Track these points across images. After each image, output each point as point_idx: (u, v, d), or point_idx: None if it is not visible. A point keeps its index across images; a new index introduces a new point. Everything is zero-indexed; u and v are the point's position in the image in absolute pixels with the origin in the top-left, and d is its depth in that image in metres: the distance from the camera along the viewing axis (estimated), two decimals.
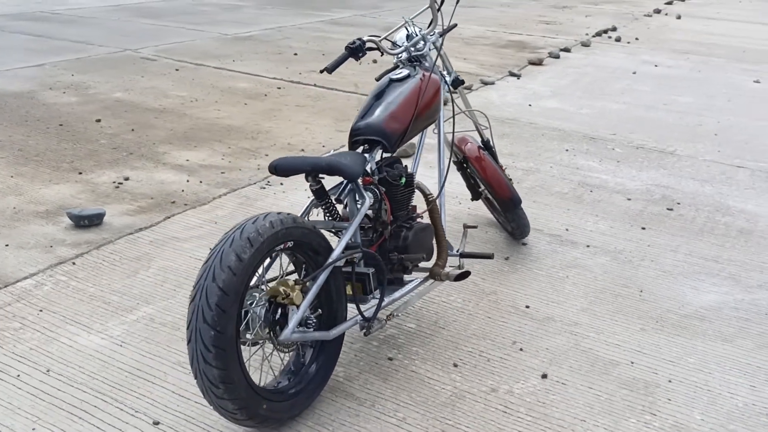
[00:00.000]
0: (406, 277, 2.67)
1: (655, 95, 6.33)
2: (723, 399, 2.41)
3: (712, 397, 2.42)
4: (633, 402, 2.37)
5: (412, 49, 2.89)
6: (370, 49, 2.81)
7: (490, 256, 2.81)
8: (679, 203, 4.02)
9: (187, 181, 3.99)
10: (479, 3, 11.68)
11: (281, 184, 3.99)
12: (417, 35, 2.90)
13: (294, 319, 2.10)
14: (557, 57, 7.65)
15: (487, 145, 3.33)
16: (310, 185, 2.37)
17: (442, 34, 3.00)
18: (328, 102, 5.66)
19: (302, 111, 5.39)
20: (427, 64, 2.91)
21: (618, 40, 8.84)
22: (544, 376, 2.48)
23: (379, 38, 2.86)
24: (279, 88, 5.99)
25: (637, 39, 8.97)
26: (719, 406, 2.37)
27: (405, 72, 2.76)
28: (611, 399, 2.38)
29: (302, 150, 4.56)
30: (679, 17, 10.92)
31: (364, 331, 2.37)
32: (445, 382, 2.43)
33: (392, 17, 9.74)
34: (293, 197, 3.82)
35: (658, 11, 11.39)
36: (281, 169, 2.30)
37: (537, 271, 3.19)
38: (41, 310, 2.70)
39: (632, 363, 2.58)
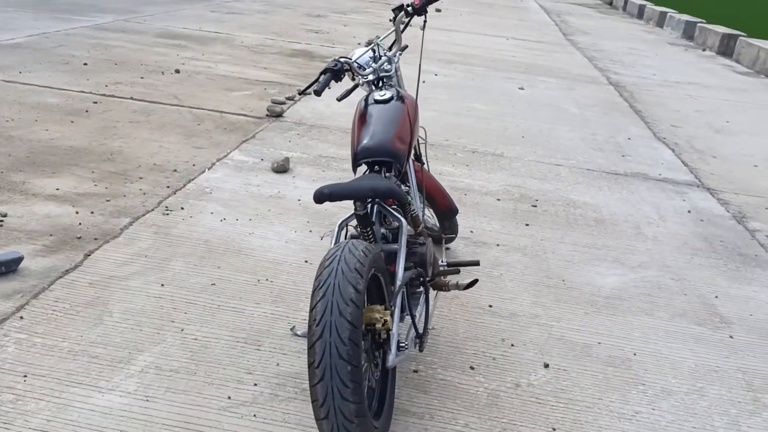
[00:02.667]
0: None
1: (455, 103, 6.98)
2: (679, 363, 2.92)
3: (671, 363, 2.91)
4: (623, 376, 2.78)
5: (380, 70, 2.99)
6: (346, 70, 2.88)
7: (476, 263, 3.03)
8: (537, 200, 4.58)
9: (77, 213, 3.59)
10: (236, 10, 11.62)
11: (182, 209, 3.78)
12: (384, 56, 3.01)
13: (394, 343, 2.14)
14: None
15: (419, 158, 3.53)
16: (357, 211, 2.39)
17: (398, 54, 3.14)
18: (161, 117, 5.37)
19: (140, 128, 5.05)
20: (392, 83, 3.03)
21: (390, 49, 9.44)
22: (546, 366, 2.78)
23: (350, 59, 2.93)
24: (95, 102, 5.52)
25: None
26: (680, 370, 2.87)
27: (389, 93, 2.86)
28: (607, 377, 2.76)
29: (175, 170, 4.32)
30: (423, 28, 11.91)
31: (419, 346, 2.46)
32: (474, 384, 2.61)
33: (158, 22, 9.33)
34: (204, 221, 3.66)
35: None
36: (336, 195, 2.29)
37: (476, 272, 3.48)
38: (25, 376, 2.34)
39: (599, 343, 3.00)
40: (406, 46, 3.18)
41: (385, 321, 2.13)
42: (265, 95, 6.35)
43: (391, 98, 2.83)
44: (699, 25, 14.15)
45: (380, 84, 3.03)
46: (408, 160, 2.73)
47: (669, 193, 5.02)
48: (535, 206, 4.47)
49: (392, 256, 2.47)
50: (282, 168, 4.52)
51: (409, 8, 3.01)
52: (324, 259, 2.08)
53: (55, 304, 2.77)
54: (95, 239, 3.34)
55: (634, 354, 2.94)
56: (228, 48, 8.28)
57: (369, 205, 2.46)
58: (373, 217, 2.51)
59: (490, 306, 3.18)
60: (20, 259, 2.96)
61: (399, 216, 2.49)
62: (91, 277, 3.00)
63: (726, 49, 12.79)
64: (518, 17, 15.56)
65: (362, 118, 2.79)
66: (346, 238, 2.52)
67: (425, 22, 3.07)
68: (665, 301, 3.43)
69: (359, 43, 9.64)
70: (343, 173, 4.63)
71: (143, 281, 3.01)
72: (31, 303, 2.76)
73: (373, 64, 2.99)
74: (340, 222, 2.48)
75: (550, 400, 2.58)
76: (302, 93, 2.96)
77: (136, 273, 3.08)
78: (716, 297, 3.53)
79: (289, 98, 6.26)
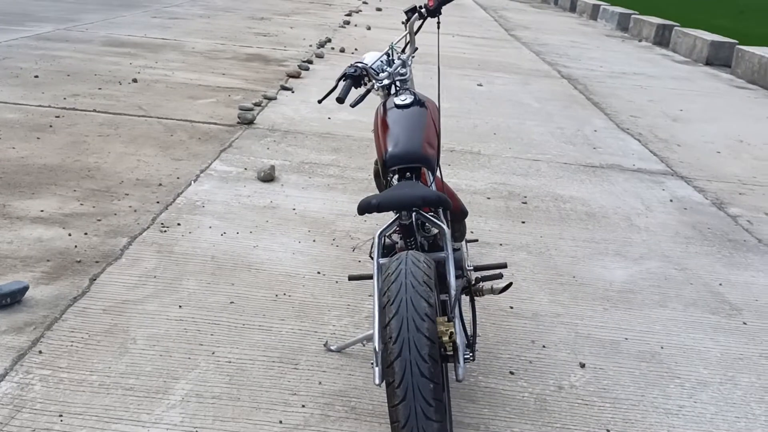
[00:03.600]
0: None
1: None
2: (705, 353, 2.96)
3: (698, 354, 2.95)
4: (658, 371, 2.79)
5: (395, 74, 2.92)
6: (364, 75, 2.81)
7: (504, 266, 2.98)
8: (526, 197, 4.60)
9: (69, 235, 3.40)
10: (177, 15, 11.32)
11: (179, 224, 3.63)
12: (399, 60, 2.94)
13: (461, 355, 2.08)
14: (307, 69, 7.88)
15: None
16: (403, 220, 2.32)
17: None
18: (130, 129, 5.15)
19: (112, 141, 4.84)
20: (407, 87, 2.97)
21: (342, 50, 9.37)
22: (583, 366, 2.77)
23: (365, 65, 2.86)
24: (58, 117, 5.26)
25: (356, 50, 9.60)
26: (709, 360, 2.91)
27: (410, 97, 2.79)
28: (643, 373, 2.77)
29: (160, 184, 4.15)
30: (369, 28, 11.87)
31: (472, 355, 2.40)
32: (519, 390, 2.58)
33: (101, 30, 8.99)
34: (205, 236, 3.52)
35: (347, 23, 12.22)
36: (385, 205, 2.22)
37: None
38: (61, 416, 2.18)
39: (626, 339, 3.01)
40: (416, 49, 3.12)
41: (451, 333, 2.07)
42: (231, 102, 6.19)
43: (413, 102, 2.77)
44: (633, 16, 14.54)
45: (395, 88, 2.97)
46: (438, 164, 2.68)
47: (647, 183, 5.11)
48: (525, 203, 4.48)
49: (438, 265, 2.42)
50: (269, 177, 4.40)
51: (423, 10, 2.94)
52: (388, 273, 2.00)
53: (72, 335, 2.61)
54: (96, 262, 3.16)
55: (662, 347, 2.97)
56: (180, 55, 8.04)
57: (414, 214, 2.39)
58: (414, 225, 2.45)
59: (511, 307, 3.16)
60: (26, 289, 2.77)
61: (440, 223, 2.43)
62: (104, 303, 2.83)
63: (661, 39, 13.17)
64: (459, 14, 15.66)
65: (385, 124, 2.72)
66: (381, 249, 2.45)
67: (439, 23, 3.02)
68: (675, 292, 3.48)
69: (310, 45, 9.52)
70: (330, 179, 4.54)
71: (159, 304, 2.87)
72: (47, 335, 2.59)
73: (388, 68, 2.92)
74: (379, 233, 2.40)
75: (595, 400, 2.57)
76: (321, 101, 2.87)
77: (149, 296, 2.93)
78: (720, 284, 3.60)
79: (256, 104, 6.11)
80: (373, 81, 2.90)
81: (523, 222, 4.17)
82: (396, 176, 2.62)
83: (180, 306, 2.87)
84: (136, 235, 3.46)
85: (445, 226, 2.43)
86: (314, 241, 3.62)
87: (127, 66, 7.16)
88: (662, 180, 5.22)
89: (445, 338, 2.08)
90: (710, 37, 11.56)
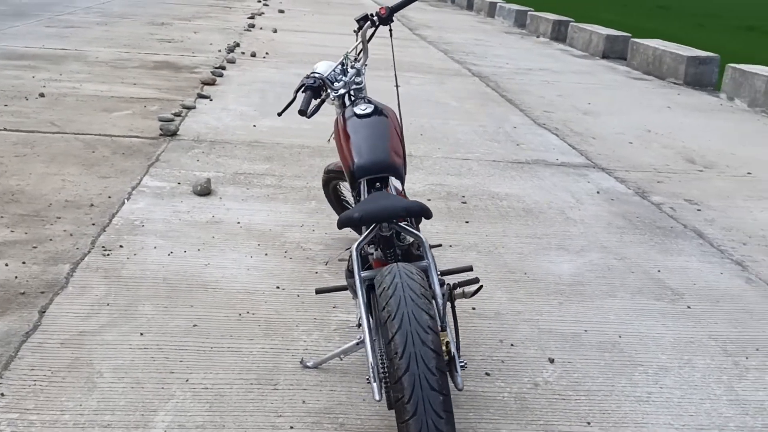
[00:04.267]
0: None
1: None
2: (659, 339, 3.09)
3: (653, 340, 3.08)
4: (621, 360, 2.89)
5: (350, 82, 2.90)
6: (322, 86, 2.78)
7: (469, 269, 2.99)
8: (464, 196, 4.66)
9: (6, 265, 3.19)
10: (73, 23, 10.82)
11: (121, 246, 3.47)
12: (353, 69, 2.92)
13: (458, 363, 2.08)
14: (221, 75, 7.70)
15: None
16: (383, 232, 2.30)
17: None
18: (47, 147, 4.89)
19: (30, 161, 4.58)
20: (362, 96, 2.95)
21: (254, 55, 9.21)
22: (552, 361, 2.84)
23: (322, 75, 2.83)
24: None
25: (267, 54, 9.47)
26: (664, 346, 3.04)
27: (370, 107, 2.78)
28: (608, 363, 2.87)
29: (92, 205, 3.96)
30: (275, 31, 11.73)
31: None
32: (497, 391, 2.62)
33: (16, 41, 8.50)
34: (151, 258, 3.38)
35: (252, 26, 12.03)
36: (368, 218, 2.21)
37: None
38: None
39: (586, 331, 3.11)
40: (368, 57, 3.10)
41: (447, 342, 2.08)
42: (149, 113, 5.98)
43: (374, 112, 2.76)
44: (530, 13, 15.01)
45: (350, 98, 2.95)
46: (405, 172, 2.68)
47: (573, 176, 5.29)
48: (465, 203, 4.55)
49: None
50: (205, 190, 4.28)
51: (375, 18, 2.93)
52: (383, 287, 1.99)
53: (33, 373, 2.45)
54: (42, 293, 2.99)
55: (620, 336, 3.08)
56: (85, 65, 7.69)
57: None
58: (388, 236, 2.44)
59: (474, 309, 3.20)
60: None
61: (417, 233, 2.44)
62: (60, 337, 2.68)
63: (558, 34, 13.66)
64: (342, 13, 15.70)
65: (348, 134, 2.70)
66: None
67: (391, 31, 3.01)
68: (620, 282, 3.62)
69: (219, 50, 9.32)
70: (269, 189, 4.46)
71: (119, 333, 2.74)
72: (5, 376, 2.42)
73: (344, 78, 2.89)
74: (356, 246, 2.38)
75: (571, 394, 2.64)
76: (281, 114, 2.82)
77: (106, 325, 2.79)
78: (659, 271, 3.77)
79: (176, 114, 5.92)
80: (329, 91, 2.87)
81: (467, 222, 4.23)
82: (363, 187, 2.60)
83: (141, 333, 2.75)
84: (78, 261, 3.29)
85: (421, 235, 2.44)
86: (266, 254, 3.55)
87: (31, 80, 6.79)
88: (585, 173, 5.41)
89: (444, 348, 2.09)
90: (605, 31, 12.09)
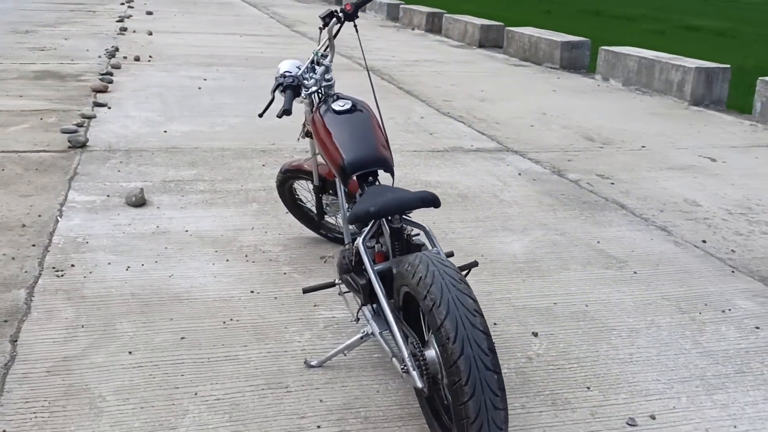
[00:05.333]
0: None
1: (250, 105, 6.80)
2: (621, 304, 3.29)
3: (616, 305, 3.27)
4: (595, 327, 3.07)
5: (321, 79, 2.89)
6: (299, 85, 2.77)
7: (475, 265, 2.87)
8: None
9: None
10: None
11: (72, 266, 3.28)
12: (322, 66, 2.90)
13: None
14: (111, 82, 7.35)
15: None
16: (393, 224, 2.32)
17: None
18: None
19: None
20: (332, 93, 2.94)
21: (138, 59, 8.84)
22: (536, 335, 2.97)
23: (296, 74, 2.81)
24: None
25: (151, 57, 9.12)
26: (627, 310, 3.25)
27: (349, 102, 2.78)
28: (585, 331, 3.03)
29: (24, 225, 3.70)
30: (150, 33, 11.30)
31: None
32: None
33: None
34: (110, 275, 3.22)
35: (124, 29, 11.52)
36: (385, 211, 2.23)
37: None
38: None
39: (556, 303, 3.26)
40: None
41: None
42: (48, 125, 5.63)
43: (354, 107, 2.77)
44: (402, 6, 15.29)
45: (320, 95, 2.94)
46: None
47: (491, 160, 5.50)
48: None
49: None
50: (140, 201, 4.10)
51: (340, 15, 2.93)
52: (420, 277, 2.02)
53: (29, 406, 2.29)
54: (5, 321, 2.78)
55: (586, 305, 3.26)
56: None
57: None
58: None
59: None
60: None
61: (421, 224, 2.48)
62: (43, 365, 2.51)
63: (432, 26, 14.01)
64: (232, 13, 15.43)
65: (331, 131, 2.69)
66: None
67: (356, 26, 3.02)
68: (568, 255, 3.82)
69: (99, 56, 8.88)
70: (205, 195, 4.34)
71: (106, 354, 2.60)
72: (1, 412, 2.24)
73: (315, 75, 2.88)
74: (362, 240, 2.40)
75: (563, 363, 2.77)
76: (261, 115, 2.76)
77: (89, 347, 2.64)
78: (598, 242, 4.01)
79: (78, 125, 5.61)
80: (303, 89, 2.85)
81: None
82: (348, 181, 2.61)
83: (130, 352, 2.63)
84: (32, 285, 3.08)
85: (425, 225, 2.48)
86: (227, 260, 3.47)
87: None
88: (502, 156, 5.63)
89: None
90: (479, 21, 12.53)
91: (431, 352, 2.08)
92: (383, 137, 2.71)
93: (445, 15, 13.58)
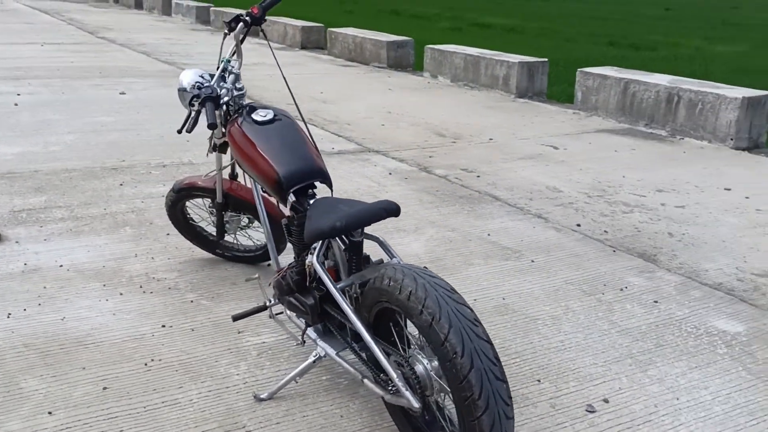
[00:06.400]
0: None
1: (75, 121, 6.22)
2: (532, 293, 3.38)
3: (529, 294, 3.35)
4: (520, 318, 3.11)
5: (232, 89, 2.67)
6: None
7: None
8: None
9: None
10: None
11: (45, 287, 2.79)
12: (233, 74, 2.68)
13: None
14: None
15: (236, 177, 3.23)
16: (354, 237, 2.18)
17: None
18: None
19: None
20: (243, 102, 2.73)
21: None
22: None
23: (210, 84, 2.59)
24: None
25: None
26: (539, 298, 3.33)
27: (270, 112, 2.58)
28: (513, 323, 3.06)
29: None
30: None
31: None
32: None
33: None
34: (77, 304, 2.77)
35: None
36: (351, 225, 2.08)
37: None
38: None
39: (475, 300, 3.27)
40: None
41: None
42: None
43: (275, 117, 2.58)
44: (212, 9, 14.81)
45: (230, 105, 2.71)
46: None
47: (358, 162, 5.45)
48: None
49: None
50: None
51: (247, 18, 2.72)
52: (410, 291, 1.91)
53: None
54: None
55: (503, 299, 3.31)
56: None
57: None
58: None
59: None
60: None
61: (376, 236, 2.36)
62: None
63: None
64: (22, 20, 14.10)
65: (257, 144, 2.49)
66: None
67: (263, 30, 2.82)
68: (467, 250, 3.86)
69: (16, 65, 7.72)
70: (67, 223, 3.89)
71: (20, 418, 2.22)
72: None
73: (226, 85, 2.66)
74: (316, 258, 2.24)
75: (506, 359, 2.78)
76: (180, 131, 2.48)
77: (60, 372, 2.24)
78: (488, 235, 4.10)
79: None
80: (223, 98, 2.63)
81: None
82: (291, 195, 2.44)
83: (50, 412, 2.27)
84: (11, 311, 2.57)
85: (379, 236, 2.37)
86: (121, 294, 3.12)
87: None
88: (366, 157, 5.60)
89: None
90: (300, 23, 12.43)
91: (420, 368, 1.99)
92: (314, 146, 2.56)
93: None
